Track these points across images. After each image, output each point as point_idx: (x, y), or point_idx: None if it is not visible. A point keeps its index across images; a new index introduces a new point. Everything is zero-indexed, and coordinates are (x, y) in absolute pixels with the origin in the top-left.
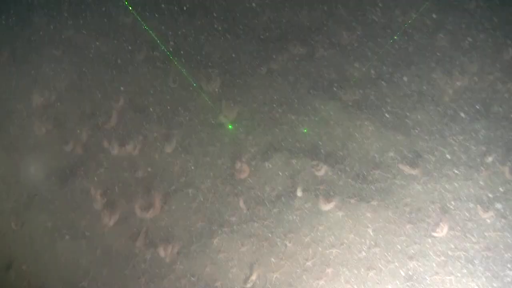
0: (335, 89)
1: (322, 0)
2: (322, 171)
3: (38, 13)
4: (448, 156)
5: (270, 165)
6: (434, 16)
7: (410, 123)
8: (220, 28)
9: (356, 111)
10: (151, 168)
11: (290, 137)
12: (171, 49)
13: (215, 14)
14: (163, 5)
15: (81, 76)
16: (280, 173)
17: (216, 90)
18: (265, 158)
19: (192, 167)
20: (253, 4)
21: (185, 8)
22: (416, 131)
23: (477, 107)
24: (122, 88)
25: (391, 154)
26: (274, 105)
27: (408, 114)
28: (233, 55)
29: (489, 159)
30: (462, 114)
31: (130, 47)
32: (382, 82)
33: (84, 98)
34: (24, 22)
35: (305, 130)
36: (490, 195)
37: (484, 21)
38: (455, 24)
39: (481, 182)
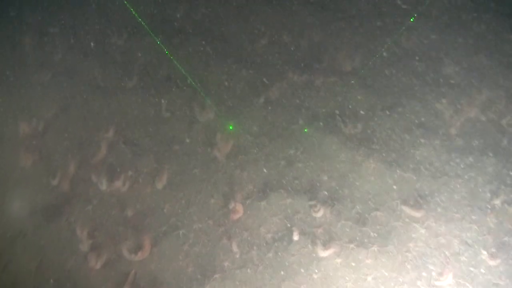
0: (335, 121)
1: (323, 25)
2: (320, 212)
3: (28, 33)
4: (454, 197)
5: (266, 205)
6: (441, 46)
7: (414, 159)
8: (214, 53)
9: (357, 146)
10: (140, 206)
11: (288, 174)
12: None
13: (209, 38)
14: (154, 30)
15: (70, 103)
16: (276, 214)
17: (210, 120)
18: (260, 197)
19: (184, 206)
20: (250, 28)
21: (175, 33)
22: (421, 168)
23: (486, 141)
24: (112, 118)
25: (394, 194)
26: (271, 138)
27: (412, 150)
28: (228, 83)
29: (497, 200)
30: (470, 149)
31: (121, 72)
32: (385, 114)
33: (73, 128)
34: (12, 43)
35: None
36: (498, 241)
37: (493, 46)
38: (461, 50)
39: (488, 226)
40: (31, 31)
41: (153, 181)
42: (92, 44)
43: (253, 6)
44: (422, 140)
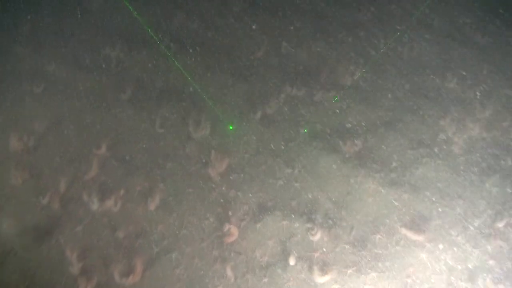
0: (334, 138)
1: (323, 36)
2: (318, 235)
3: (20, 42)
4: (456, 219)
5: (261, 228)
6: (442, 56)
7: (415, 179)
8: (210, 65)
9: (356, 165)
10: (132, 227)
11: (284, 194)
12: (158, 88)
13: (205, 49)
14: (149, 40)
15: (62, 117)
16: (272, 237)
17: (205, 137)
18: (256, 219)
19: (177, 228)
20: (248, 38)
21: (171, 44)
22: (422, 189)
23: (490, 160)
24: (104, 133)
25: (393, 216)
26: (268, 156)
27: (413, 169)
28: (224, 97)
29: (501, 223)
30: (473, 169)
31: (115, 84)
32: (386, 130)
33: (65, 143)
34: (3, 52)
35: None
36: (502, 266)
37: (497, 58)
38: (464, 62)
39: (492, 251)
40: (24, 40)
41: (146, 201)
42: (86, 55)
43: (251, 16)
44: (424, 159)
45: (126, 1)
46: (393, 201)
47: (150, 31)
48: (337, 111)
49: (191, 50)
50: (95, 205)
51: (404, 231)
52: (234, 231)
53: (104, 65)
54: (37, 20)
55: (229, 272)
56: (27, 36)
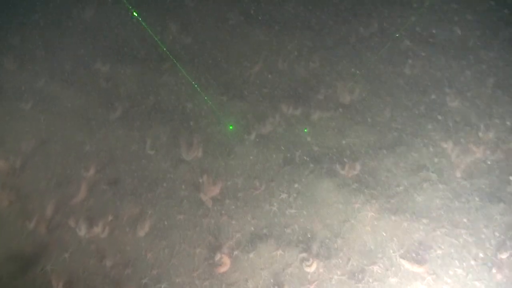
0: (332, 161)
1: (321, 52)
2: (313, 266)
3: (8, 56)
4: (458, 249)
5: (254, 257)
6: (446, 74)
7: (415, 206)
8: (203, 81)
9: (354, 191)
10: (120, 255)
11: (279, 221)
12: (149, 106)
13: (198, 66)
14: (140, 55)
15: (50, 136)
16: (265, 267)
17: (197, 159)
18: (248, 249)
19: (167, 256)
20: (243, 53)
21: (164, 59)
22: (422, 216)
23: (494, 185)
24: (94, 154)
25: (392, 245)
26: (262, 180)
27: (414, 195)
28: (218, 116)
29: (505, 254)
30: (476, 194)
31: (105, 102)
32: (386, 153)
33: (52, 165)
34: None
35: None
36: None
37: (501, 76)
38: (468, 80)
39: (495, 283)
40: (13, 55)
41: (135, 227)
42: (76, 70)
43: (247, 29)
44: (425, 184)
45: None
46: (392, 230)
47: (142, 45)
48: (335, 132)
49: (184, 65)
50: (82, 231)
51: (403, 262)
52: (226, 260)
53: (94, 81)
54: (26, 34)
55: None
56: (16, 50)
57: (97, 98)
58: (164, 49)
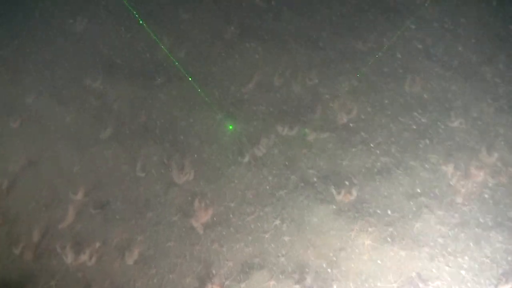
0: (328, 186)
1: (319, 67)
2: None
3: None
4: (459, 280)
5: None
6: (447, 91)
7: (414, 234)
8: (197, 98)
9: (351, 218)
10: (108, 283)
11: (272, 249)
12: (141, 127)
13: (191, 82)
14: (133, 70)
15: (39, 156)
16: None
17: (189, 183)
18: (240, 279)
19: (156, 286)
20: (238, 68)
21: (156, 75)
22: (421, 245)
23: (495, 211)
24: (82, 176)
25: (390, 276)
26: (256, 206)
27: (412, 221)
28: (211, 137)
29: (508, 285)
30: (477, 221)
31: (95, 120)
32: (384, 177)
33: (40, 187)
34: None
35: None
36: None
37: (504, 98)
38: (469, 98)
39: None
40: (2, 69)
41: (123, 254)
42: (66, 86)
43: (242, 43)
44: (424, 210)
45: (111, 27)
46: (390, 259)
47: (135, 59)
48: (331, 154)
49: (177, 82)
50: (69, 258)
51: None
52: None
53: (84, 98)
54: (16, 47)
55: None
56: (6, 64)
57: (87, 116)
58: (157, 64)
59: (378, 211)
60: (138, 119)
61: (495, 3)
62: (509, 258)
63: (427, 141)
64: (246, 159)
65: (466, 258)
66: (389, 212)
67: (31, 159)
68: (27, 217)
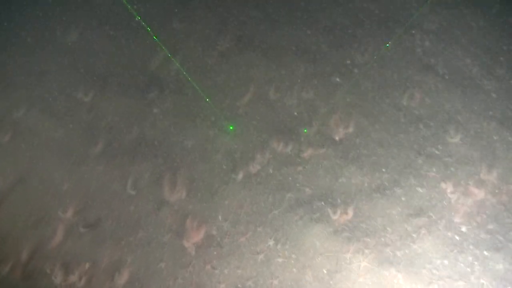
0: (323, 205)
1: (315, 81)
2: None
3: None
4: None
5: None
6: (446, 106)
7: (412, 256)
8: (189, 113)
9: (346, 239)
10: None
11: (266, 271)
12: (132, 142)
13: (184, 96)
14: (124, 83)
15: (29, 172)
16: None
17: (181, 201)
18: None
19: None
20: (232, 81)
21: (149, 88)
22: (419, 267)
23: (496, 231)
24: (72, 194)
25: None
26: (249, 225)
27: (410, 242)
28: (204, 153)
29: None
30: (476, 242)
31: (86, 135)
32: (381, 196)
33: (29, 204)
34: None
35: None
36: None
37: (505, 113)
38: (470, 113)
39: None
40: None
41: (113, 276)
42: (57, 98)
43: (238, 55)
44: (422, 231)
45: (104, 38)
46: (387, 282)
47: (128, 72)
48: (327, 171)
49: (170, 95)
50: (58, 279)
51: None
52: None
53: (75, 112)
54: (6, 59)
55: None
56: None
57: (78, 131)
58: (150, 76)
59: (375, 232)
60: (130, 134)
61: (496, 13)
62: (509, 280)
63: (426, 158)
64: (240, 176)
65: (466, 281)
66: (386, 233)
67: (20, 175)
68: (16, 236)
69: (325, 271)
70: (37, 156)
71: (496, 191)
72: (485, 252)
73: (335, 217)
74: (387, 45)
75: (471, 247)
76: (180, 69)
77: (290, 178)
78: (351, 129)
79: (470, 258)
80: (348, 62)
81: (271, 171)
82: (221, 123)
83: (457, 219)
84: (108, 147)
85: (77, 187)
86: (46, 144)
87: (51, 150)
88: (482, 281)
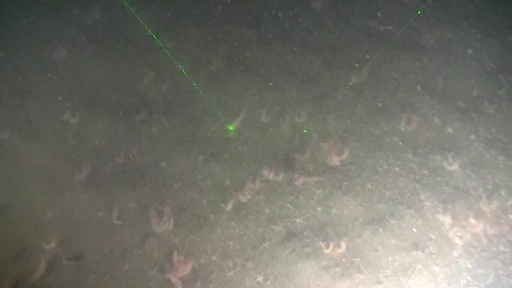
0: (315, 238)
1: (309, 103)
2: None
3: None
4: None
5: None
6: (445, 131)
7: None
8: (178, 137)
9: (339, 274)
10: None
11: None
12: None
13: (173, 119)
14: (112, 104)
15: (11, 200)
16: None
17: (168, 232)
18: None
19: None
20: (222, 104)
21: (137, 110)
22: None
23: (495, 266)
24: (56, 224)
25: None
26: (238, 259)
27: (404, 279)
28: (193, 181)
29: None
30: (476, 279)
31: (71, 160)
32: (375, 228)
33: (13, 233)
34: None
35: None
36: None
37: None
38: (469, 143)
39: None
40: None
41: None
42: (43, 121)
43: (229, 77)
44: (418, 266)
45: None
46: None
47: (116, 93)
48: (320, 201)
49: (158, 117)
50: None
51: None
52: None
53: (61, 135)
54: None
55: None
56: None
57: (63, 156)
58: (138, 98)
59: (369, 267)
60: (116, 159)
61: (495, 33)
62: None
63: (422, 187)
64: (230, 206)
65: None
66: (380, 268)
67: (2, 204)
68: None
69: None
70: (20, 183)
71: (496, 223)
72: None
73: (327, 251)
74: (384, 64)
75: (469, 284)
76: (169, 90)
77: (281, 209)
78: (345, 156)
79: None
80: (343, 83)
81: (262, 200)
82: (210, 148)
83: (455, 253)
84: (94, 173)
85: (61, 217)
86: (30, 170)
87: (34, 176)
88: None
